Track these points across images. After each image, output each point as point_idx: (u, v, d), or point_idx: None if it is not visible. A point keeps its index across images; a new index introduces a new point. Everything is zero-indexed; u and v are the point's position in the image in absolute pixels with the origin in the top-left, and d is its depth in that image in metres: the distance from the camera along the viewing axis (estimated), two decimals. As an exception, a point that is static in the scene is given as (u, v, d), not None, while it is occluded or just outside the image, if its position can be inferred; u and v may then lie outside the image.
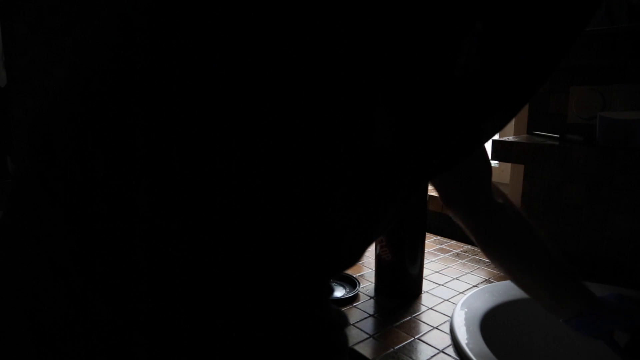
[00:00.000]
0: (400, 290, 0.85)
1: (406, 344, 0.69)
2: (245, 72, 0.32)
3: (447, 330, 0.72)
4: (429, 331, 0.72)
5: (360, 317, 0.77)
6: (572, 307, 0.61)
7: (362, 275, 0.94)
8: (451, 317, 0.74)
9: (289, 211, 0.33)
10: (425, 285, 0.89)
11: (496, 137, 1.07)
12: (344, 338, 0.40)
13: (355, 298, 0.84)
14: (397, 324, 0.75)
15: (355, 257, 0.39)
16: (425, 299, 0.84)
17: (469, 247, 1.13)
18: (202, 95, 0.32)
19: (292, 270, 0.35)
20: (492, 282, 0.91)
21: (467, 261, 1.03)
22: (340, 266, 0.39)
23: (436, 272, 0.96)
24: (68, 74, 0.37)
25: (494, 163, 1.34)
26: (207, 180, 0.32)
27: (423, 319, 0.76)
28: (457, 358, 0.65)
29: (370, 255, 1.06)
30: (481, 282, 0.91)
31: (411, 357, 0.65)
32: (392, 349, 0.67)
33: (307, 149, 0.33)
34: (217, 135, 0.32)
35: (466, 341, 0.66)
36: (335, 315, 0.39)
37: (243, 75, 0.32)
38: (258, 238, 0.33)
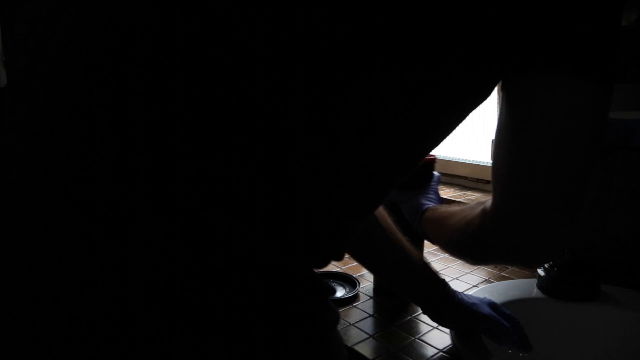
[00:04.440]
0: (400, 290, 0.85)
1: (406, 344, 0.69)
2: (243, 70, 0.32)
3: (447, 330, 0.72)
4: (429, 331, 0.72)
5: (360, 317, 0.77)
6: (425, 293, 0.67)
7: (362, 275, 0.94)
8: (451, 317, 0.74)
9: (288, 207, 0.34)
10: (425, 285, 0.89)
11: (496, 137, 1.07)
12: (333, 305, 0.42)
13: (355, 298, 0.84)
14: (397, 324, 0.75)
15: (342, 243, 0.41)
16: (425, 299, 0.84)
17: (469, 247, 1.13)
18: (201, 90, 0.32)
19: (289, 261, 0.35)
20: (492, 282, 0.91)
21: (467, 261, 1.03)
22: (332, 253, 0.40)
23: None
24: (63, 71, 0.37)
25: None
26: (207, 177, 0.32)
27: (423, 319, 0.76)
28: (457, 358, 0.65)
29: (370, 255, 1.06)
30: (481, 282, 0.91)
31: (411, 357, 0.65)
32: (392, 349, 0.67)
33: (306, 148, 0.33)
34: (217, 131, 0.32)
35: (466, 341, 0.66)
36: (323, 285, 0.40)
37: (241, 74, 0.32)
38: (258, 235, 0.33)
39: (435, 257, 1.05)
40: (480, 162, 1.40)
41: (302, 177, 0.34)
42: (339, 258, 0.41)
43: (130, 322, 0.32)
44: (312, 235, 0.36)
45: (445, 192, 1.36)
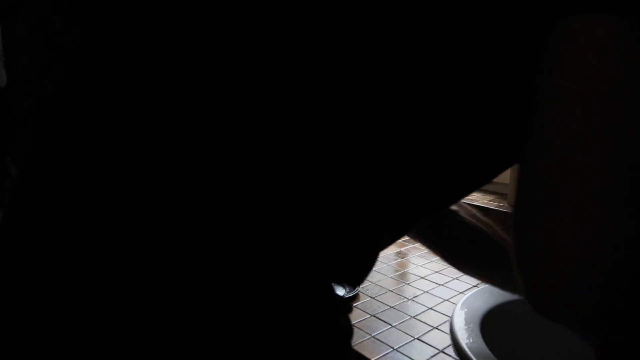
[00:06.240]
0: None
1: (406, 344, 0.69)
2: (245, 72, 0.32)
3: (447, 330, 0.72)
4: (429, 331, 0.72)
5: (360, 317, 0.77)
6: None
7: (362, 275, 0.94)
8: (451, 317, 0.74)
9: (289, 211, 0.34)
10: (425, 285, 0.89)
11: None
12: (347, 322, 0.40)
13: (355, 298, 0.84)
14: (397, 324, 0.75)
15: (361, 267, 0.40)
16: (425, 299, 0.84)
17: (469, 247, 1.13)
18: (202, 97, 0.32)
19: (293, 267, 0.35)
20: (492, 282, 0.91)
21: (467, 261, 1.03)
22: (345, 267, 0.39)
23: (436, 272, 0.96)
24: (65, 75, 0.37)
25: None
26: (208, 181, 0.32)
27: (423, 319, 0.76)
28: (457, 358, 0.65)
29: (370, 255, 1.06)
30: (481, 282, 0.91)
31: (411, 357, 0.65)
32: (392, 349, 0.67)
33: (306, 150, 0.33)
34: (219, 135, 0.32)
35: (466, 341, 0.66)
36: (337, 301, 0.39)
37: (243, 76, 0.32)
38: (259, 237, 0.33)
39: (436, 257, 1.05)
40: (480, 162, 1.40)
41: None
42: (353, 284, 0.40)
43: (128, 343, 0.32)
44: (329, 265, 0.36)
45: (445, 192, 1.36)
